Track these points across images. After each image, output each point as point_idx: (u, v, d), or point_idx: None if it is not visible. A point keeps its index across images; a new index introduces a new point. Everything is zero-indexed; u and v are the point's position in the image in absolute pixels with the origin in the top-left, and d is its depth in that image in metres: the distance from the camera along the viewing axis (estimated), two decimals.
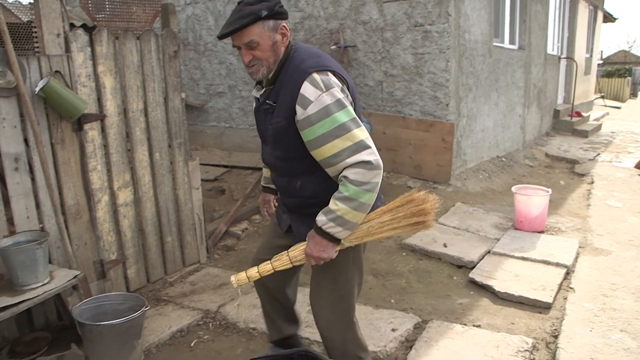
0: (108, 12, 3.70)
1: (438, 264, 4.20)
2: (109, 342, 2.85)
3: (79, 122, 3.31)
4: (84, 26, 5.16)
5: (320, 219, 2.04)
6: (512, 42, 8.44)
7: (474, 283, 3.87)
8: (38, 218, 3.25)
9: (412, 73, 6.19)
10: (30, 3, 8.17)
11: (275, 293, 2.67)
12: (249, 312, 3.48)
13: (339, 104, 1.97)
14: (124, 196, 3.65)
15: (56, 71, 3.21)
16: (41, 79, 3.14)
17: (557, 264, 4.07)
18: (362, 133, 1.98)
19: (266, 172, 2.67)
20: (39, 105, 3.16)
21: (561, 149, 9.24)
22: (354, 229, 2.09)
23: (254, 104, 2.32)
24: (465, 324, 3.29)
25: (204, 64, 8.05)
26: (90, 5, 3.51)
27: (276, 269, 2.22)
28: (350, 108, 2.02)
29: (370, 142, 2.00)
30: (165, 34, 3.86)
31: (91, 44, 3.38)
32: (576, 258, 4.25)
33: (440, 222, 4.94)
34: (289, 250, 2.22)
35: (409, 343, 3.11)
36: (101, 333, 2.83)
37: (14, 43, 3.00)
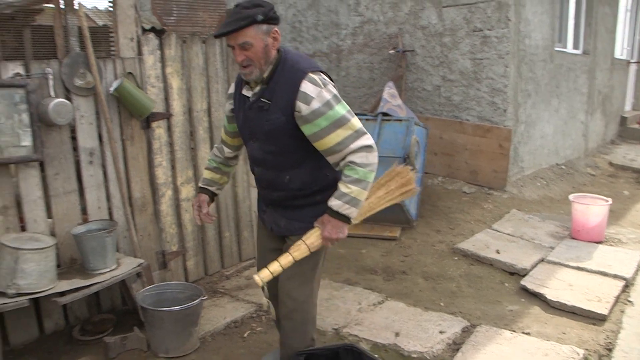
0: (176, 17, 3.91)
1: (490, 269, 4.19)
2: (169, 327, 3.03)
3: (148, 120, 3.53)
4: (152, 29, 5.45)
5: (335, 203, 2.22)
6: (575, 46, 8.22)
7: (525, 290, 3.84)
8: (108, 209, 3.49)
9: (470, 78, 6.17)
10: (105, 8, 8.61)
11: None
12: None
13: (337, 98, 2.20)
14: (186, 191, 3.85)
15: (129, 72, 3.43)
16: (115, 79, 3.38)
17: (615, 276, 3.98)
18: (358, 122, 2.22)
19: (207, 173, 2.74)
20: (112, 104, 3.39)
21: (627, 157, 8.92)
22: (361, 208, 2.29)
23: (235, 104, 2.45)
24: (514, 331, 3.29)
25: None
26: (160, 10, 3.72)
27: (297, 259, 2.31)
28: (344, 102, 2.24)
29: (364, 129, 2.23)
30: None
31: (161, 47, 3.59)
32: (637, 271, 4.13)
33: (494, 228, 4.91)
34: (304, 239, 2.32)
35: (456, 346, 3.14)
36: (162, 318, 3.02)
37: (92, 46, 3.24)
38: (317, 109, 2.15)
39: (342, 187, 2.21)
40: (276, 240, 2.58)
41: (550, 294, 3.70)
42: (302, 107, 2.16)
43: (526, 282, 3.89)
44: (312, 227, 2.35)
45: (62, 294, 2.98)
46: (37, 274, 2.87)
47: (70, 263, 3.33)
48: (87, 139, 3.34)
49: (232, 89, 2.52)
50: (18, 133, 3.03)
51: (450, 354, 3.05)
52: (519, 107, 6.29)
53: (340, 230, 2.27)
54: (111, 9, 3.42)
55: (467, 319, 3.44)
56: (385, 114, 5.32)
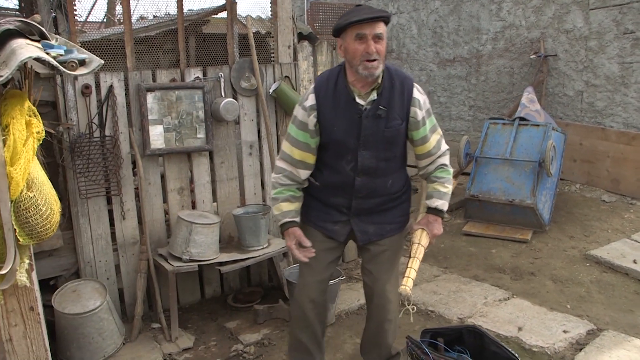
0: (327, 26, 4.35)
1: (624, 278, 4.12)
2: None
3: None
4: (299, 34, 5.98)
5: (440, 203, 2.49)
6: None
7: None
8: (262, 195, 4.01)
9: (617, 83, 5.96)
10: (257, 16, 9.38)
11: (322, 309, 2.68)
12: (429, 297, 3.86)
13: (430, 109, 2.46)
14: None
15: (286, 76, 3.93)
16: (274, 82, 3.88)
17: None
18: None
19: (287, 205, 2.49)
20: (270, 104, 3.90)
21: None
22: None
23: (328, 115, 2.35)
24: None
25: (405, 69, 8.55)
26: (315, 21, 4.18)
27: (419, 258, 2.44)
28: None
29: None
30: None
31: (313, 53, 4.04)
32: None
33: (634, 238, 4.76)
34: (416, 242, 2.46)
35: (579, 346, 3.20)
36: None
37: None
38: (426, 115, 2.42)
39: (441, 188, 2.49)
40: (335, 252, 2.62)
41: None
42: (418, 113, 2.38)
43: None
44: (401, 227, 2.58)
45: (223, 264, 3.54)
46: (205, 245, 3.44)
47: (229, 240, 3.89)
48: (248, 133, 3.88)
49: (312, 100, 2.38)
50: (195, 127, 3.63)
51: (572, 353, 3.13)
52: None
53: (441, 226, 2.54)
54: (262, 15, 3.94)
55: (593, 322, 3.46)
56: (522, 119, 5.36)
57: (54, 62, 1.58)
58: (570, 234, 4.98)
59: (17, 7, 4.62)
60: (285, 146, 2.48)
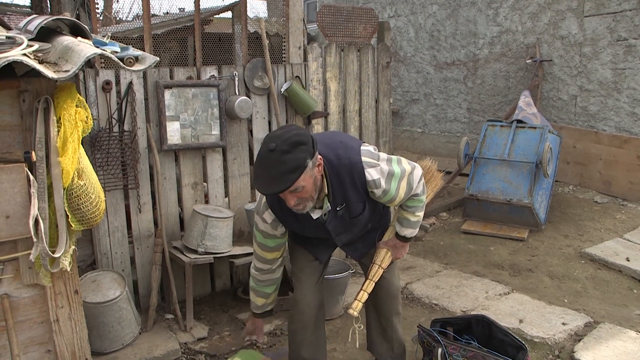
0: (335, 29, 4.48)
1: (617, 275, 4.30)
2: None
3: (309, 118, 4.12)
4: (308, 35, 6.11)
5: (409, 232, 2.58)
6: None
7: None
8: None
9: (610, 88, 6.16)
10: (266, 17, 9.51)
11: (320, 311, 2.80)
12: (432, 291, 4.01)
13: (389, 160, 2.37)
14: None
15: (296, 76, 4.05)
16: (285, 82, 4.01)
17: None
18: (404, 161, 2.43)
19: (259, 300, 2.75)
20: (282, 103, 4.02)
21: None
22: None
23: (289, 224, 2.45)
24: None
25: (402, 72, 8.71)
26: (323, 23, 4.31)
27: (375, 281, 2.63)
28: (389, 155, 2.43)
29: (404, 160, 2.46)
30: (380, 47, 4.55)
31: (323, 54, 4.18)
32: None
33: (626, 237, 4.95)
34: (377, 263, 2.63)
35: (577, 337, 3.37)
36: None
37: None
38: (386, 184, 2.33)
39: (411, 217, 2.53)
40: (323, 265, 2.78)
41: None
42: (375, 191, 2.33)
43: None
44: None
45: (236, 257, 3.65)
46: (219, 238, 3.55)
47: (239, 234, 4.00)
48: (260, 130, 4.00)
49: (271, 216, 2.41)
50: (210, 124, 3.74)
51: (572, 343, 3.29)
52: None
53: (406, 249, 2.70)
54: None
55: (590, 315, 3.62)
56: (520, 121, 5.54)
57: (115, 59, 1.70)
58: (565, 232, 5.16)
59: (29, 5, 4.70)
60: (257, 249, 2.61)
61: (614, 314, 3.69)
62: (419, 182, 2.45)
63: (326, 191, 2.28)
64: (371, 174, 2.28)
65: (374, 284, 2.62)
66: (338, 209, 2.35)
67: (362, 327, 2.79)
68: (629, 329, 3.44)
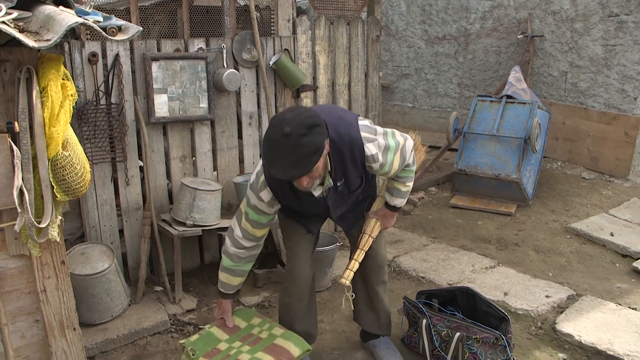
0: (325, 1, 4.43)
1: (601, 250, 4.36)
2: None
3: (298, 91, 4.11)
4: (298, 8, 6.04)
5: (399, 202, 2.64)
6: None
7: (637, 272, 3.98)
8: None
9: (600, 65, 6.16)
10: None
11: (313, 283, 2.81)
12: (419, 264, 4.06)
13: (385, 134, 2.39)
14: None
15: (285, 49, 4.02)
16: (274, 55, 3.98)
17: None
18: (397, 133, 2.46)
19: (236, 279, 2.65)
20: (270, 76, 4.00)
21: None
22: None
23: (288, 201, 2.42)
24: (619, 304, 3.50)
25: (393, 46, 8.65)
26: None
27: (365, 250, 2.67)
28: (384, 128, 2.46)
29: (397, 132, 2.49)
30: (370, 20, 4.51)
31: (312, 27, 4.14)
32: None
33: (611, 213, 5.01)
34: (367, 232, 2.67)
35: (560, 309, 3.43)
36: None
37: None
38: (383, 158, 2.36)
39: (402, 187, 2.59)
40: (314, 238, 2.81)
41: None
42: (373, 165, 2.37)
43: (639, 264, 4.04)
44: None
45: (224, 229, 3.66)
46: (208, 211, 3.56)
47: (228, 207, 4.01)
48: (248, 104, 3.99)
49: (269, 194, 2.37)
50: (198, 97, 3.72)
51: (554, 315, 3.36)
52: None
53: (395, 218, 2.75)
54: None
55: (573, 289, 3.69)
56: (509, 97, 5.54)
57: (97, 28, 1.68)
58: (552, 208, 5.21)
59: None
60: (247, 226, 2.48)
61: (597, 287, 3.76)
62: (410, 153, 2.50)
63: (329, 168, 2.29)
64: (370, 149, 2.31)
65: (364, 253, 2.65)
66: (338, 184, 2.37)
67: (355, 295, 2.81)
68: (610, 301, 3.51)
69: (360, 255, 2.64)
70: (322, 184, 2.30)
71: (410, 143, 2.51)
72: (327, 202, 2.43)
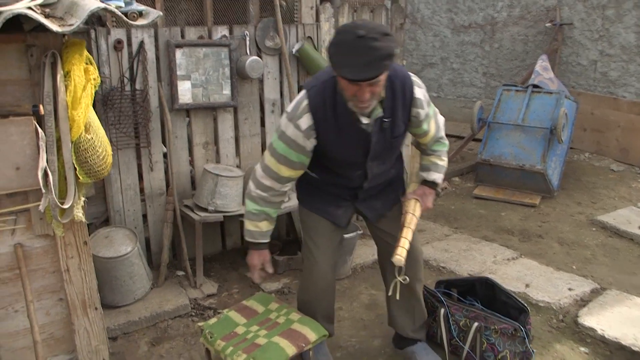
0: None
1: (629, 243, 4.28)
2: None
3: None
4: None
5: (438, 176, 2.55)
6: None
7: None
8: None
9: (632, 53, 6.01)
10: None
11: (333, 276, 2.65)
12: (440, 254, 4.04)
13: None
14: None
15: (308, 37, 4.02)
16: (297, 42, 3.98)
17: None
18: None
19: (263, 224, 2.42)
20: (293, 64, 4.00)
21: None
22: None
23: (329, 134, 2.24)
24: None
25: (419, 35, 8.56)
26: None
27: (413, 229, 2.44)
28: None
29: None
30: (394, 8, 4.47)
31: (335, 15, 4.12)
32: None
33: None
34: (412, 212, 2.46)
35: (583, 302, 3.38)
36: None
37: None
38: (428, 109, 2.37)
39: (438, 161, 2.52)
40: (339, 234, 2.65)
41: None
42: (420, 113, 2.31)
43: None
44: (403, 194, 2.61)
45: None
46: (230, 197, 3.59)
47: None
48: (271, 91, 3.99)
49: (308, 121, 2.19)
50: (221, 84, 3.75)
51: (576, 308, 3.31)
52: None
53: (433, 196, 2.60)
54: None
55: (597, 282, 3.63)
56: (535, 86, 5.45)
57: (119, 13, 1.71)
58: (577, 200, 5.12)
59: None
60: (271, 162, 2.29)
61: (622, 281, 3.69)
62: (443, 127, 2.54)
63: (383, 94, 2.18)
64: (418, 93, 2.28)
65: (412, 231, 2.42)
66: (385, 119, 2.24)
67: (408, 279, 2.45)
68: (636, 296, 3.44)
69: (408, 233, 2.40)
70: (368, 116, 2.19)
71: (443, 118, 2.56)
72: (371, 138, 2.25)
